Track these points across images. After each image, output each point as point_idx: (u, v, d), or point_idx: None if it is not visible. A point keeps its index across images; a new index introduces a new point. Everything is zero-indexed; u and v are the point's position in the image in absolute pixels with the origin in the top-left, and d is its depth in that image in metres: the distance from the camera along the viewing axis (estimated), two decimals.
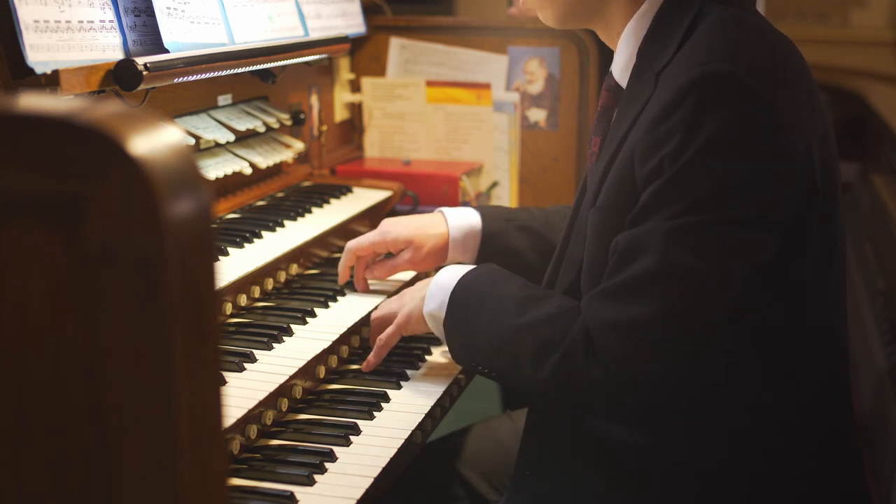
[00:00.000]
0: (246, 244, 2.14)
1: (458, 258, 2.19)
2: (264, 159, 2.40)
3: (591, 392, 1.64)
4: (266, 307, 2.05)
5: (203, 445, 0.78)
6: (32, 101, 0.74)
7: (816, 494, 1.71)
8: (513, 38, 2.94)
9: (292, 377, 1.80)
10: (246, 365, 1.78)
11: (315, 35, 2.60)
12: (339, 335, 1.97)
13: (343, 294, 2.15)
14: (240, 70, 2.24)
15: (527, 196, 2.98)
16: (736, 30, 1.64)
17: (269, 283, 2.10)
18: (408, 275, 2.29)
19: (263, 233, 2.21)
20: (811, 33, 5.76)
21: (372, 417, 1.81)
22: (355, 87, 3.02)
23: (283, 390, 1.78)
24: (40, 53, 1.74)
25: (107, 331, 0.74)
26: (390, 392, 1.90)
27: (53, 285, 0.74)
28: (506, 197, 2.95)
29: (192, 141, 2.21)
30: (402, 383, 1.94)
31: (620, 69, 1.77)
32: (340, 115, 2.97)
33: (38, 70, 1.71)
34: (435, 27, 3.01)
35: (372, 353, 1.96)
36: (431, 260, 2.19)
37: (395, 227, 2.17)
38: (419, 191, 2.71)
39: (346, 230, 2.43)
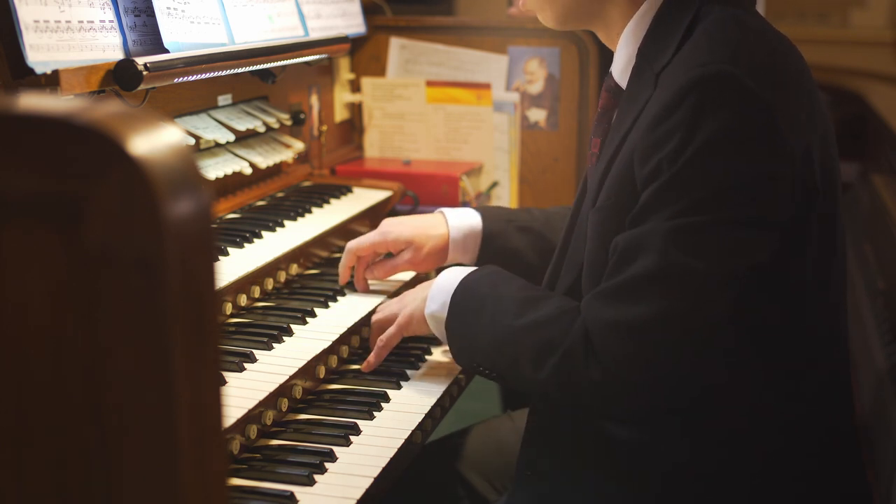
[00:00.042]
0: (246, 244, 2.14)
1: (458, 259, 2.19)
2: (264, 159, 2.40)
3: (590, 392, 1.64)
4: (266, 307, 2.05)
5: (203, 445, 0.78)
6: (32, 101, 0.74)
7: (816, 494, 1.71)
8: (513, 38, 2.94)
9: (292, 377, 1.80)
10: (246, 365, 1.78)
11: (315, 35, 2.60)
12: (339, 335, 1.97)
13: (343, 294, 2.15)
14: (240, 70, 2.24)
15: (527, 196, 2.98)
16: (735, 30, 1.64)
17: (269, 283, 2.10)
18: (407, 275, 2.29)
19: (263, 233, 2.21)
20: (811, 33, 5.76)
21: (372, 417, 1.81)
22: (355, 87, 3.02)
23: (283, 390, 1.78)
24: (40, 53, 1.74)
25: (107, 331, 0.74)
26: (390, 392, 1.90)
27: (53, 285, 0.74)
28: (506, 197, 2.95)
29: (192, 141, 2.21)
30: (402, 383, 1.94)
31: (620, 70, 1.77)
32: (340, 115, 2.97)
33: (38, 70, 1.71)
34: (435, 27, 3.01)
35: (372, 354, 1.96)
36: (431, 260, 2.19)
37: (395, 228, 2.17)
38: (419, 191, 2.71)
39: (346, 230, 2.43)
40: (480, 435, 2.20)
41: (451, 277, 1.88)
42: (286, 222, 2.30)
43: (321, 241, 2.33)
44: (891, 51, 5.95)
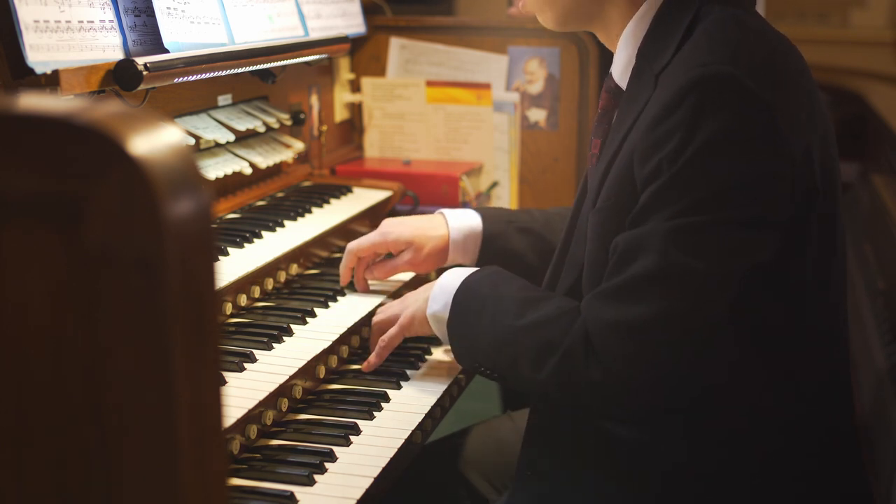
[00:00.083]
0: (246, 244, 2.14)
1: (458, 260, 2.19)
2: (264, 159, 2.40)
3: (590, 392, 1.64)
4: (266, 307, 2.05)
5: (203, 445, 0.78)
6: (32, 101, 0.74)
7: (816, 494, 1.71)
8: (513, 38, 2.94)
9: (292, 377, 1.80)
10: (246, 365, 1.78)
11: (315, 35, 2.60)
12: (339, 335, 1.97)
13: (343, 294, 2.15)
14: (240, 70, 2.24)
15: (527, 196, 2.98)
16: (735, 30, 1.64)
17: (269, 283, 2.10)
18: (407, 275, 2.29)
19: (263, 233, 2.21)
20: (811, 33, 5.76)
21: (372, 417, 1.81)
22: (355, 87, 3.02)
23: (283, 390, 1.78)
24: (40, 53, 1.74)
25: (107, 331, 0.74)
26: (390, 392, 1.90)
27: (53, 285, 0.74)
28: (506, 197, 2.95)
29: (192, 141, 2.21)
30: (402, 383, 1.94)
31: (620, 71, 1.77)
32: (340, 115, 2.97)
33: (38, 70, 1.71)
34: (435, 27, 3.01)
35: (374, 354, 1.97)
36: (431, 261, 2.19)
37: (395, 228, 2.18)
38: (419, 191, 2.71)
39: (346, 230, 2.43)
40: (480, 435, 2.20)
41: (453, 278, 1.88)
42: (286, 222, 2.30)
43: (321, 241, 2.33)
44: (891, 51, 5.95)
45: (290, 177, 2.62)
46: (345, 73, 2.97)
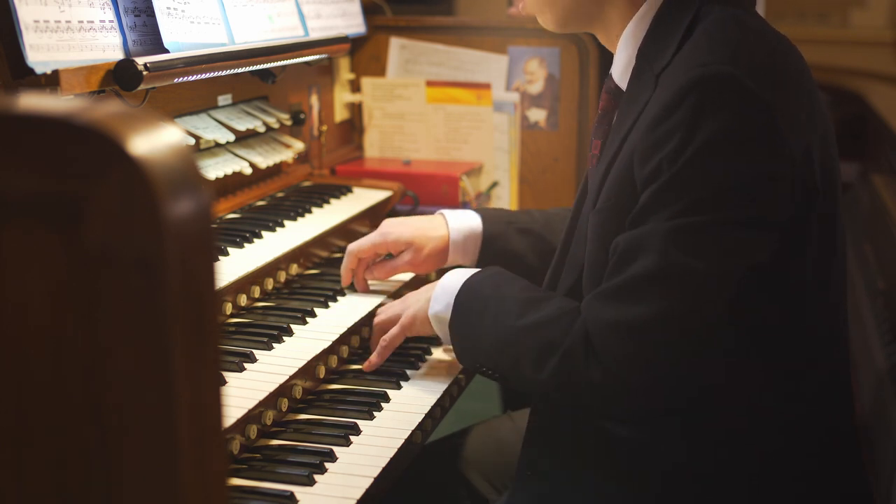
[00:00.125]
0: (246, 244, 2.14)
1: (458, 261, 2.19)
2: (264, 159, 2.40)
3: (590, 392, 1.64)
4: (266, 307, 2.05)
5: (203, 445, 0.78)
6: (32, 101, 0.74)
7: (816, 494, 1.71)
8: (513, 38, 2.94)
9: (292, 377, 1.80)
10: (246, 365, 1.78)
11: (315, 35, 2.59)
12: (339, 335, 1.97)
13: (343, 294, 2.15)
14: (240, 70, 2.24)
15: (527, 196, 2.98)
16: (735, 30, 1.64)
17: (269, 283, 2.10)
18: (407, 276, 2.29)
19: (263, 233, 2.21)
20: (811, 33, 5.76)
21: (372, 417, 1.81)
22: (355, 87, 3.02)
23: (283, 390, 1.78)
24: (40, 53, 1.74)
25: (107, 331, 0.74)
26: (390, 392, 1.90)
27: (53, 285, 0.74)
28: (506, 197, 2.95)
29: (192, 141, 2.21)
30: (402, 383, 1.94)
31: (620, 71, 1.77)
32: (340, 115, 2.97)
33: (38, 70, 1.71)
34: (435, 27, 3.01)
35: (375, 353, 1.97)
36: (431, 262, 2.19)
37: (395, 229, 2.18)
38: (419, 191, 2.71)
39: (346, 230, 2.43)
40: (480, 435, 2.20)
41: (455, 279, 1.88)
42: (286, 222, 2.30)
43: (321, 241, 2.33)
44: (891, 51, 5.95)
45: (290, 177, 2.62)
46: (345, 73, 2.97)
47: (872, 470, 2.36)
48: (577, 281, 1.75)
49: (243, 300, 2.03)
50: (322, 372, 1.92)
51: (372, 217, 2.53)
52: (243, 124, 2.35)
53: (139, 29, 2.00)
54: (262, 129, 2.41)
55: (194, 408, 0.76)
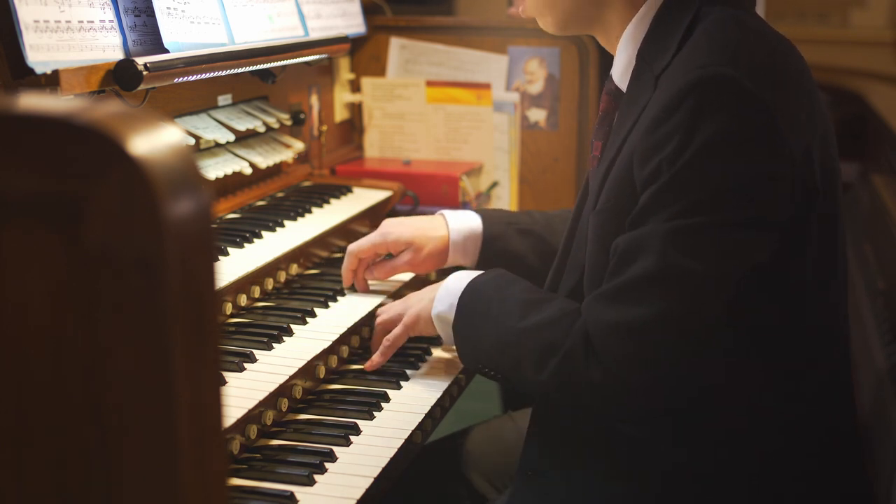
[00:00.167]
0: (246, 244, 2.14)
1: (458, 261, 2.19)
2: (264, 159, 2.40)
3: (591, 393, 1.64)
4: (266, 307, 2.05)
5: (203, 445, 0.78)
6: (32, 101, 0.74)
7: (816, 494, 1.71)
8: (513, 38, 2.94)
9: (292, 377, 1.80)
10: (246, 365, 1.78)
11: (315, 35, 2.59)
12: (339, 335, 1.97)
13: (343, 294, 2.16)
14: (240, 70, 2.24)
15: (527, 196, 2.98)
16: (735, 31, 1.64)
17: (269, 283, 2.10)
18: (407, 276, 2.29)
19: (263, 233, 2.21)
20: (811, 33, 5.76)
21: (372, 417, 1.81)
22: (355, 87, 3.02)
23: (283, 390, 1.78)
24: (40, 53, 1.74)
25: (107, 331, 0.74)
26: (390, 392, 1.90)
27: (53, 285, 0.74)
28: (506, 197, 2.95)
29: (192, 141, 2.21)
30: (402, 383, 1.94)
31: (620, 73, 1.77)
32: (340, 115, 2.97)
33: (38, 70, 1.71)
34: (435, 27, 3.01)
35: (378, 353, 1.97)
36: (431, 262, 2.19)
37: (395, 229, 2.18)
38: (419, 191, 2.71)
39: (346, 230, 2.43)
40: (481, 435, 2.20)
41: (459, 280, 1.89)
42: (286, 222, 2.30)
43: (321, 241, 2.33)
44: (891, 51, 5.95)
45: (290, 177, 2.62)
46: (345, 73, 2.97)
47: (872, 470, 2.36)
48: (579, 282, 1.75)
49: (243, 300, 2.03)
50: (322, 372, 1.92)
51: (372, 217, 2.53)
52: (243, 124, 2.35)
53: (139, 29, 2.00)
54: (262, 129, 2.41)
55: (194, 408, 0.76)
